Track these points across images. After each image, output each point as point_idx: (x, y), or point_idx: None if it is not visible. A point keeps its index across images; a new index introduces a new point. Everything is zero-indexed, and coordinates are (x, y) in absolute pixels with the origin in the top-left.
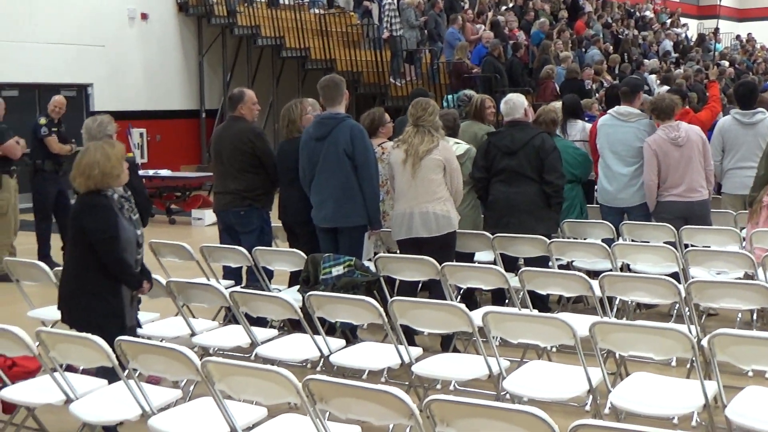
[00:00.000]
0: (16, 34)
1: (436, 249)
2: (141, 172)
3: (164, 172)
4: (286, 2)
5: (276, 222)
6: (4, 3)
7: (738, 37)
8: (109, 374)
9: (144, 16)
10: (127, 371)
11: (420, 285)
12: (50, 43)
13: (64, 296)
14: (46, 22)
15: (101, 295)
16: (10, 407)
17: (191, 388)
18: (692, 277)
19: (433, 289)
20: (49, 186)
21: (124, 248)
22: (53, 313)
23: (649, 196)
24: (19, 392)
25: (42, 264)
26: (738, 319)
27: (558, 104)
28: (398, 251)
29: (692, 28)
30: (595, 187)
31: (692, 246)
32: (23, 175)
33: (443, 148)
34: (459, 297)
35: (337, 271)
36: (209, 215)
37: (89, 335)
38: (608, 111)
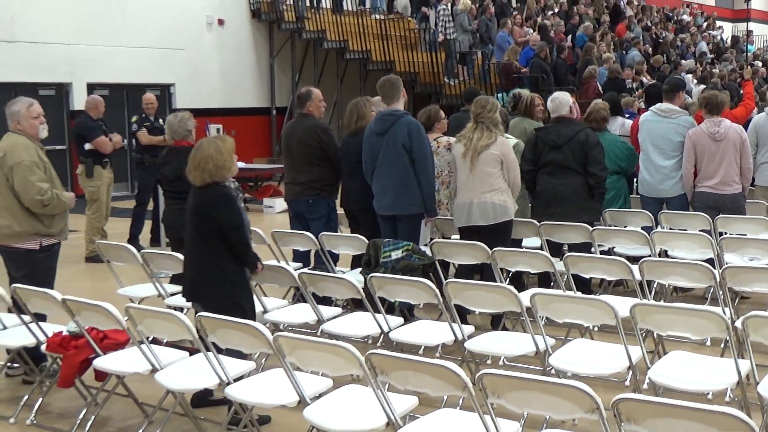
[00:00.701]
0: (108, 40)
1: (493, 236)
2: None
3: (239, 164)
4: (350, 9)
5: (340, 210)
6: (97, 13)
7: None
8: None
9: (221, 22)
10: (206, 344)
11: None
12: (137, 48)
13: (196, 281)
14: (135, 29)
15: (233, 277)
16: (102, 375)
17: (263, 360)
18: (726, 263)
19: (484, 272)
20: (148, 177)
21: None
22: (140, 290)
23: (686, 184)
24: (110, 362)
25: (130, 246)
26: None
27: (604, 102)
28: (459, 237)
29: (727, 30)
30: (635, 179)
31: (726, 234)
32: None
33: (501, 143)
34: (508, 279)
35: (396, 254)
36: (279, 203)
37: (171, 311)
38: (650, 108)
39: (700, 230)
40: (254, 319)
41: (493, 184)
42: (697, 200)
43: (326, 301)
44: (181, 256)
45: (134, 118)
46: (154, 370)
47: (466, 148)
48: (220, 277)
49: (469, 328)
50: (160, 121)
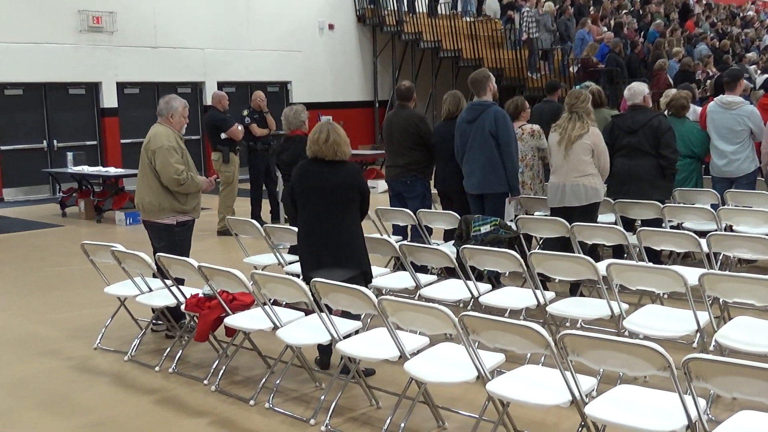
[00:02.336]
0: (236, 45)
1: (583, 215)
2: None
3: None
4: (443, 12)
5: (434, 189)
6: (227, 22)
7: None
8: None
9: (331, 27)
10: (320, 306)
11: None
12: (260, 50)
13: (334, 246)
14: (258, 35)
15: (362, 240)
16: (231, 331)
17: (369, 320)
18: None
19: (565, 245)
20: (260, 162)
21: None
22: (263, 259)
23: (764, 162)
24: (238, 320)
25: (255, 222)
26: None
27: (687, 92)
28: (549, 215)
29: None
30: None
31: None
32: (243, 154)
33: (593, 133)
34: (585, 251)
35: (485, 228)
36: (381, 184)
37: (290, 277)
38: (714, 99)
39: (765, 207)
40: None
41: (585, 169)
42: None
43: (423, 269)
44: (296, 229)
45: (245, 112)
46: (276, 328)
47: (561, 137)
48: (361, 243)
49: (550, 294)
50: (266, 113)
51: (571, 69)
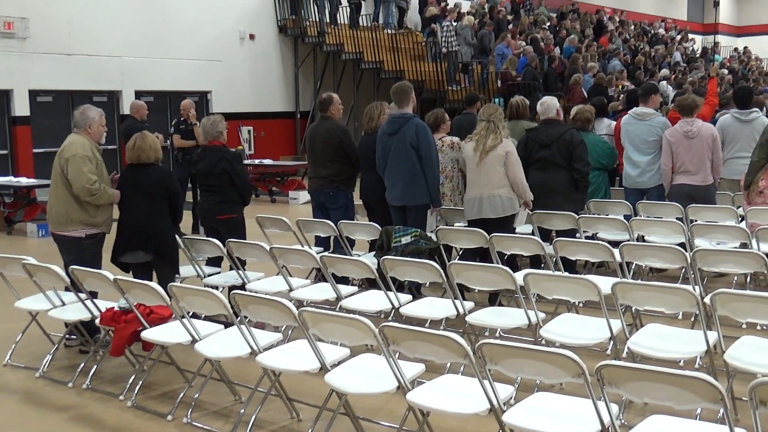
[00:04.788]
0: (154, 53)
1: (499, 226)
2: (248, 161)
3: (267, 161)
4: (365, 24)
5: (357, 200)
6: (145, 29)
7: (736, 49)
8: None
9: (252, 37)
10: (239, 318)
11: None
12: (179, 59)
13: (141, 233)
14: (177, 43)
15: (170, 232)
16: (148, 345)
17: (290, 332)
18: (696, 247)
19: (483, 255)
20: (182, 173)
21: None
22: (182, 271)
23: (665, 178)
24: (155, 334)
25: None
26: (734, 281)
27: (590, 106)
28: (467, 226)
29: (698, 42)
30: (616, 175)
31: (697, 221)
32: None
33: (506, 144)
34: (503, 262)
35: (406, 239)
36: (303, 195)
37: (209, 290)
38: (629, 112)
39: (674, 218)
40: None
41: (500, 181)
42: (674, 191)
43: (344, 280)
44: (217, 241)
45: (174, 122)
46: (194, 341)
47: (476, 146)
48: (167, 234)
49: (469, 304)
50: (194, 125)
51: (491, 82)
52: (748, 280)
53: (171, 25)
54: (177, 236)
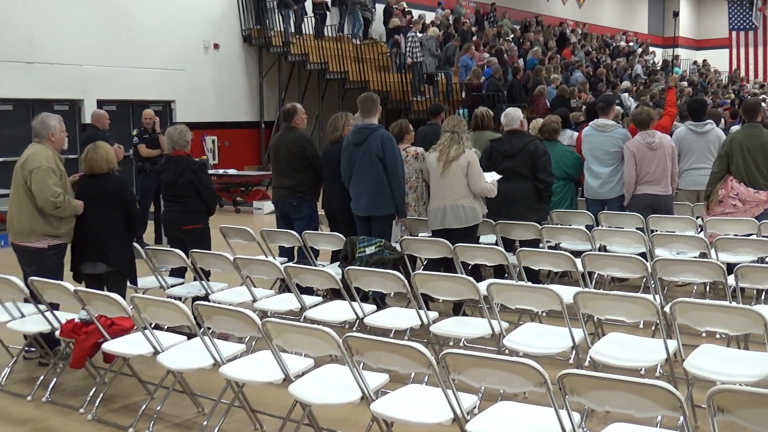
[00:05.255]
0: (116, 62)
1: (463, 237)
2: (212, 171)
3: (231, 171)
4: (330, 35)
5: (321, 211)
6: (107, 38)
7: (695, 62)
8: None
9: (216, 46)
10: (202, 329)
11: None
12: (142, 68)
13: (98, 242)
14: (140, 52)
15: (125, 240)
16: (109, 357)
17: (253, 343)
18: (657, 256)
19: (448, 265)
20: (149, 183)
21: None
22: (144, 282)
23: (627, 189)
24: (117, 345)
25: (135, 244)
26: (694, 290)
27: (557, 117)
28: (431, 236)
29: (658, 55)
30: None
31: (657, 231)
32: (129, 174)
33: (468, 154)
34: (467, 271)
35: (370, 250)
36: (267, 205)
37: (172, 300)
38: (589, 123)
39: (635, 228)
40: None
41: (463, 191)
42: (636, 202)
43: (308, 291)
44: (180, 252)
45: (135, 132)
46: (156, 353)
47: (440, 156)
48: (123, 243)
49: (433, 314)
50: (159, 133)
51: (455, 93)
52: (708, 289)
53: (134, 33)
54: (139, 247)
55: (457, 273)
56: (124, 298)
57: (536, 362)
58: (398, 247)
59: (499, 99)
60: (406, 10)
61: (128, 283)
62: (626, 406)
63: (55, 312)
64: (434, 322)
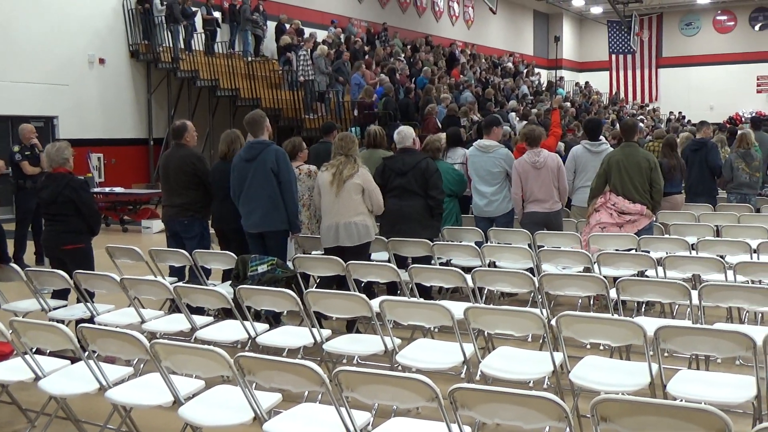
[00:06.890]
0: None
1: (356, 255)
2: (98, 189)
3: (118, 189)
4: (221, 51)
5: (211, 229)
6: None
7: (578, 84)
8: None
9: (102, 61)
10: (87, 352)
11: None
12: (23, 82)
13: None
14: (21, 66)
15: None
16: None
17: (141, 365)
18: (544, 271)
19: (341, 282)
20: (29, 201)
21: None
22: (24, 305)
23: (516, 207)
24: None
25: (14, 266)
26: (579, 303)
27: (443, 135)
28: (323, 254)
29: (543, 76)
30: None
31: (544, 247)
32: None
33: (362, 173)
34: (360, 289)
35: (262, 268)
36: (156, 224)
37: (54, 324)
38: (474, 144)
39: (526, 244)
40: None
41: (357, 209)
42: (526, 218)
43: (199, 311)
44: (63, 273)
45: (16, 148)
46: (38, 378)
47: (333, 176)
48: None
49: (326, 332)
50: (41, 151)
51: (346, 111)
52: (591, 302)
53: (13, 46)
54: (19, 268)
55: (350, 290)
56: (10, 320)
57: (428, 377)
58: (291, 265)
59: (391, 117)
60: (300, 28)
61: None
62: (515, 418)
63: None
64: (327, 340)
